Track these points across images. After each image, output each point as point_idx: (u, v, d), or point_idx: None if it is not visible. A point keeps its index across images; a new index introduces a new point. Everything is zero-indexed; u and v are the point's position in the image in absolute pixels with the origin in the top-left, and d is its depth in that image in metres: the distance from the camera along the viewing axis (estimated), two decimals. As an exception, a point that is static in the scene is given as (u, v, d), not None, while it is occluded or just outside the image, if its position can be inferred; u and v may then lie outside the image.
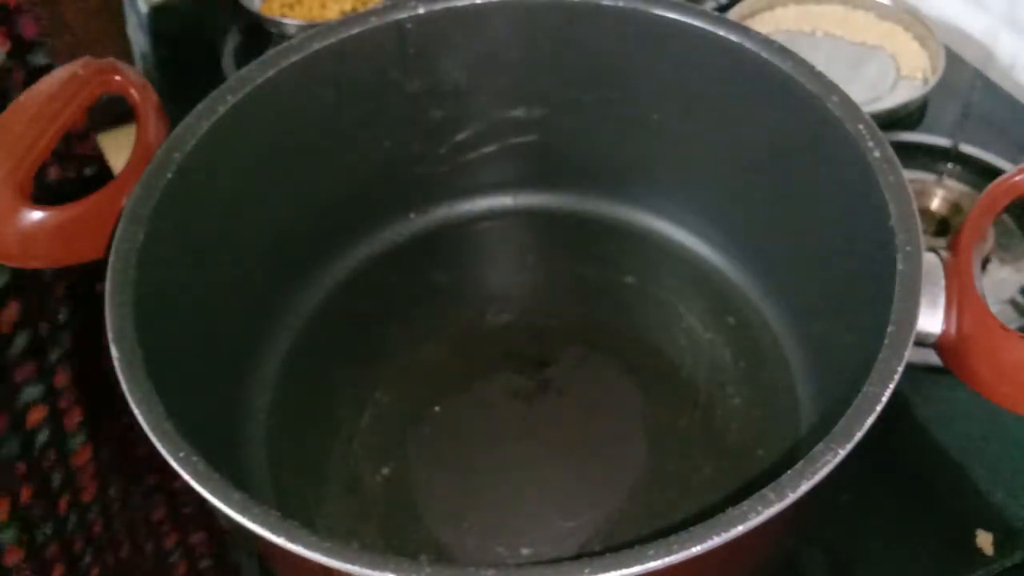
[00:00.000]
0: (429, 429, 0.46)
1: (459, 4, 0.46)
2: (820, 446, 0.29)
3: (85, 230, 0.38)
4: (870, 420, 0.30)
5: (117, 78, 0.41)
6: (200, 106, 0.41)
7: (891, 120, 0.63)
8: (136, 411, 0.31)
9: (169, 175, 0.39)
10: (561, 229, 0.55)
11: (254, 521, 0.28)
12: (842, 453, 0.29)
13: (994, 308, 0.34)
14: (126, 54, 0.80)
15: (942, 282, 0.35)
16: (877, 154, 0.37)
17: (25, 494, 0.53)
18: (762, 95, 0.43)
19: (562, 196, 0.55)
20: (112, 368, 0.32)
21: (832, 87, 0.40)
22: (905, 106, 0.63)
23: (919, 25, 0.68)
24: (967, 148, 0.60)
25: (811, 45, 0.70)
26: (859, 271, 0.38)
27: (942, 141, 0.60)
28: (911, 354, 0.32)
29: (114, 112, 0.49)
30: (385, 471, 0.45)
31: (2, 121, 0.38)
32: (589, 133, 0.51)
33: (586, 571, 0.26)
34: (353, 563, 0.27)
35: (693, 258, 0.52)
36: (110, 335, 0.34)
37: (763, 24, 0.71)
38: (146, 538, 0.62)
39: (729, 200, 0.49)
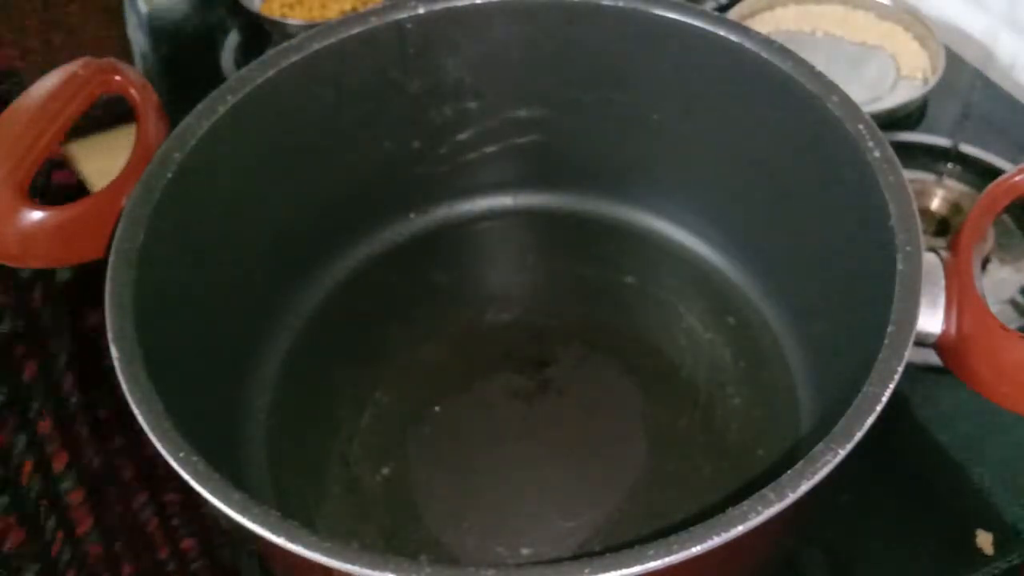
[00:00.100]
0: (429, 429, 0.46)
1: (459, 4, 0.46)
2: (820, 446, 0.29)
3: (85, 230, 0.38)
4: (870, 420, 0.30)
5: (117, 78, 0.41)
6: (200, 106, 0.41)
7: (891, 120, 0.63)
8: (136, 411, 0.31)
9: (169, 175, 0.39)
10: (561, 229, 0.55)
11: (254, 521, 0.28)
12: (842, 453, 0.29)
13: (994, 308, 0.34)
14: (126, 54, 0.80)
15: (942, 282, 0.35)
16: (877, 154, 0.37)
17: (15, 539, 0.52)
18: (762, 95, 0.43)
19: (562, 196, 0.55)
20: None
21: (832, 87, 0.40)
22: (905, 106, 0.63)
23: (919, 25, 0.68)
24: (967, 148, 0.60)
25: (811, 45, 0.70)
26: (859, 271, 0.38)
27: (942, 141, 0.60)
28: (911, 354, 0.32)
29: (114, 112, 0.49)
30: (385, 471, 0.45)
31: (2, 121, 0.38)
32: (589, 133, 0.51)
33: (586, 571, 0.26)
34: (353, 563, 0.27)
35: (693, 258, 0.52)
36: (110, 335, 0.34)
37: (763, 24, 0.71)
38: (141, 552, 0.61)
39: (729, 200, 0.49)
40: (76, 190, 0.55)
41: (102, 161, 0.59)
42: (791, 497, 0.28)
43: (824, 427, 0.30)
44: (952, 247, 0.36)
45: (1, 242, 0.37)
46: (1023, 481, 0.45)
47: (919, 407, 0.49)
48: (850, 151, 0.38)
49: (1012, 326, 0.35)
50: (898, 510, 0.45)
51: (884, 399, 0.30)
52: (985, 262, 0.54)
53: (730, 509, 0.28)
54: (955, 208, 0.59)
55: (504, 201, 0.55)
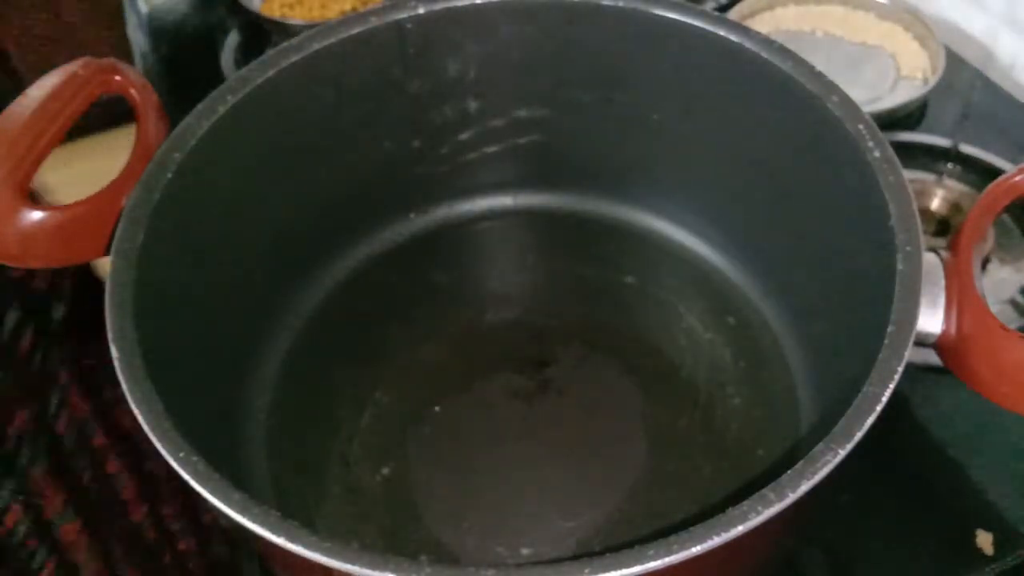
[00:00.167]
0: (429, 429, 0.46)
1: (459, 4, 0.46)
2: (820, 446, 0.29)
3: (85, 230, 0.38)
4: (870, 420, 0.30)
5: (117, 78, 0.41)
6: (200, 106, 0.41)
7: (891, 120, 0.63)
8: (136, 411, 0.31)
9: (169, 175, 0.39)
10: (561, 229, 0.55)
11: (254, 521, 0.28)
12: (842, 453, 0.29)
13: (994, 308, 0.34)
14: (126, 54, 0.80)
15: (942, 282, 0.35)
16: (877, 154, 0.37)
17: None
18: (762, 95, 0.43)
19: (562, 196, 0.55)
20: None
21: (832, 87, 0.40)
22: (905, 106, 0.63)
23: (919, 25, 0.68)
24: (967, 148, 0.60)
25: (811, 45, 0.70)
26: (859, 271, 0.38)
27: (942, 141, 0.60)
28: (911, 354, 0.32)
29: (114, 112, 0.49)
30: (385, 471, 0.45)
31: (2, 121, 0.38)
32: (589, 133, 0.51)
33: (586, 571, 0.26)
34: (353, 563, 0.27)
35: (693, 258, 0.52)
36: (110, 335, 0.34)
37: (763, 24, 0.71)
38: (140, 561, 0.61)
39: (729, 200, 0.49)
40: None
41: (102, 161, 0.59)
42: (791, 497, 0.28)
43: (824, 427, 0.30)
44: (952, 247, 0.36)
45: (1, 242, 0.37)
46: (1023, 481, 0.45)
47: (919, 407, 0.49)
48: (850, 151, 0.38)
49: (1012, 326, 0.35)
50: (898, 510, 0.45)
51: (884, 399, 0.30)
52: (985, 262, 0.54)
53: (730, 509, 0.28)
54: (955, 208, 0.59)
55: (504, 201, 0.55)
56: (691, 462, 0.44)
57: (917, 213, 0.36)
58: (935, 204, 0.59)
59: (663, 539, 0.27)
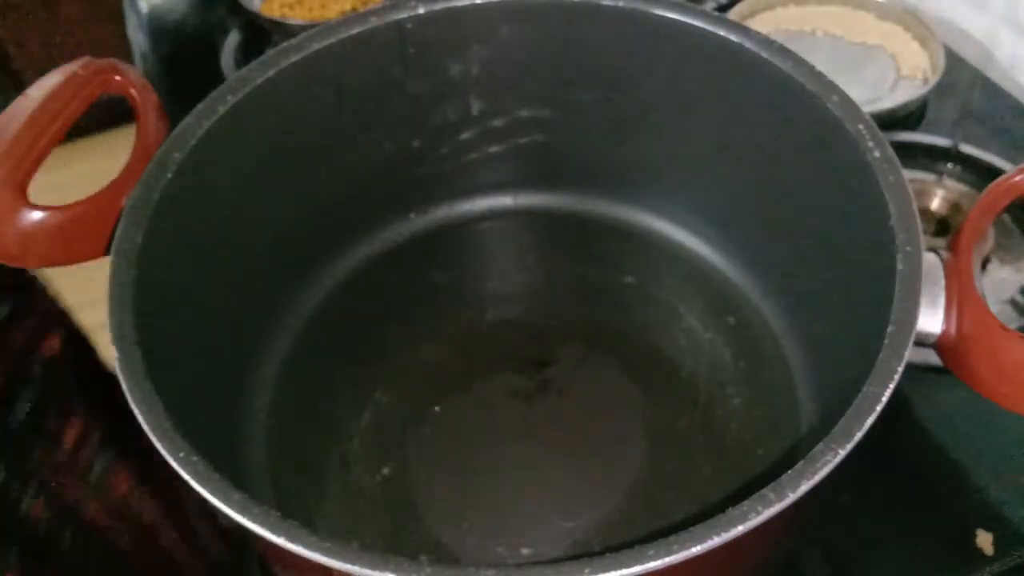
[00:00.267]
0: (429, 429, 0.46)
1: (459, 4, 0.46)
2: (820, 446, 0.29)
3: (85, 230, 0.38)
4: (870, 420, 0.30)
5: (117, 78, 0.41)
6: (200, 106, 0.41)
7: (891, 120, 0.63)
8: (136, 411, 0.31)
9: (169, 175, 0.39)
10: (561, 229, 0.55)
11: (254, 521, 0.28)
12: (842, 453, 0.29)
13: (994, 308, 0.34)
14: (126, 54, 0.80)
15: (942, 282, 0.35)
16: (877, 154, 0.37)
17: None
18: (762, 95, 0.43)
19: (562, 196, 0.55)
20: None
21: (832, 87, 0.40)
22: (905, 106, 0.63)
23: (919, 25, 0.68)
24: (967, 148, 0.60)
25: (811, 45, 0.70)
26: (859, 271, 0.38)
27: (942, 141, 0.60)
28: (911, 354, 0.32)
29: (114, 112, 0.49)
30: (385, 471, 0.45)
31: (2, 121, 0.38)
32: (589, 133, 0.51)
33: (586, 571, 0.26)
34: (353, 563, 0.27)
35: (693, 258, 0.52)
36: (110, 335, 0.34)
37: (763, 24, 0.71)
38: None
39: (729, 200, 0.49)
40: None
41: (102, 161, 0.59)
42: (791, 497, 0.28)
43: (824, 427, 0.30)
44: (952, 247, 0.36)
45: (1, 242, 0.37)
46: (1023, 481, 0.45)
47: (919, 407, 0.49)
48: (850, 151, 0.38)
49: (1012, 326, 0.35)
50: (898, 510, 0.45)
51: (884, 399, 0.30)
52: (985, 262, 0.54)
53: (730, 509, 0.28)
54: (955, 208, 0.59)
55: (504, 201, 0.55)
56: (691, 462, 0.44)
57: (917, 213, 0.36)
58: (935, 204, 0.59)
59: (663, 539, 0.27)
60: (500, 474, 0.45)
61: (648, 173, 0.52)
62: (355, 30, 0.45)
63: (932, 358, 0.36)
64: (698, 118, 0.47)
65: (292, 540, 0.28)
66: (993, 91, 0.66)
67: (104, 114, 0.49)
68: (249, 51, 0.73)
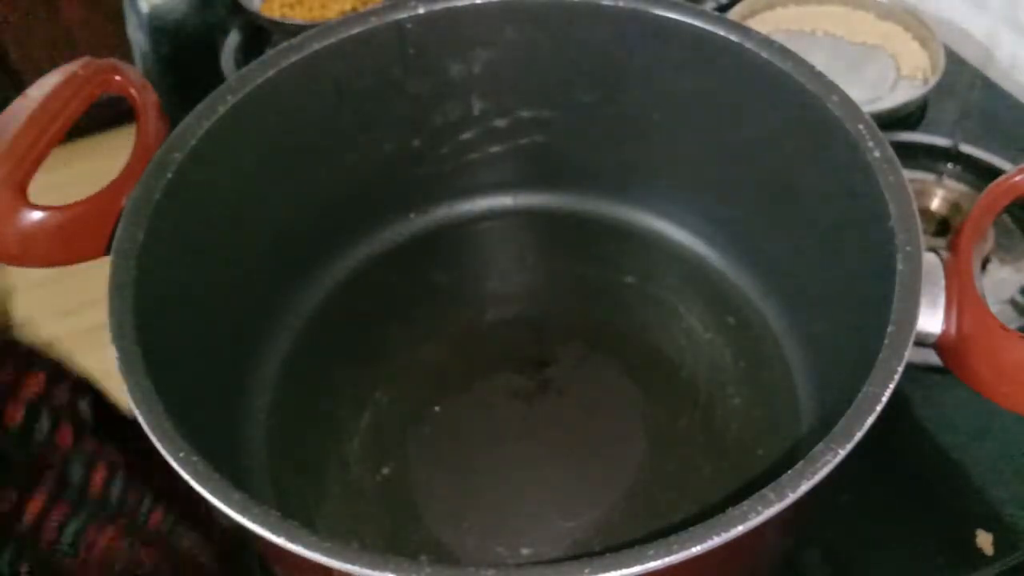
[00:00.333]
0: (429, 429, 0.46)
1: (459, 4, 0.46)
2: (820, 446, 0.29)
3: (85, 230, 0.38)
4: (870, 420, 0.30)
5: (117, 78, 0.41)
6: (200, 106, 0.41)
7: (891, 120, 0.63)
8: (136, 411, 0.31)
9: (169, 175, 0.39)
10: (561, 229, 0.55)
11: (254, 521, 0.28)
12: (842, 453, 0.29)
13: (994, 308, 0.34)
14: (126, 54, 0.80)
15: (942, 282, 0.35)
16: (877, 154, 0.37)
17: None
18: (762, 95, 0.43)
19: (562, 196, 0.55)
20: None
21: (832, 87, 0.40)
22: (905, 106, 0.63)
23: (919, 25, 0.68)
24: (967, 148, 0.60)
25: (811, 45, 0.70)
26: (859, 271, 0.38)
27: (942, 141, 0.60)
28: (911, 354, 0.32)
29: (114, 112, 0.49)
30: (385, 471, 0.45)
31: (2, 121, 0.38)
32: (589, 133, 0.51)
33: (586, 571, 0.26)
34: (353, 563, 0.27)
35: (693, 258, 0.52)
36: (110, 335, 0.34)
37: (763, 24, 0.71)
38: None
39: (729, 200, 0.49)
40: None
41: (102, 161, 0.59)
42: (791, 497, 0.28)
43: (824, 427, 0.30)
44: (952, 247, 0.36)
45: (1, 242, 0.37)
46: (1023, 481, 0.45)
47: (919, 407, 0.49)
48: (850, 151, 0.38)
49: (1012, 326, 0.35)
50: (898, 510, 0.45)
51: (884, 399, 0.30)
52: (985, 262, 0.54)
53: (730, 509, 0.28)
54: (955, 208, 0.59)
55: (504, 201, 0.55)
56: (691, 462, 0.44)
57: (917, 213, 0.36)
58: (935, 204, 0.59)
59: (663, 539, 0.27)
60: (500, 474, 0.45)
61: (648, 173, 0.52)
62: (355, 30, 0.45)
63: (932, 358, 0.36)
64: (698, 118, 0.47)
65: (292, 540, 0.28)
66: (993, 91, 0.66)
67: (104, 114, 0.49)
68: (249, 51, 0.73)
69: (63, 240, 0.38)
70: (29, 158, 0.37)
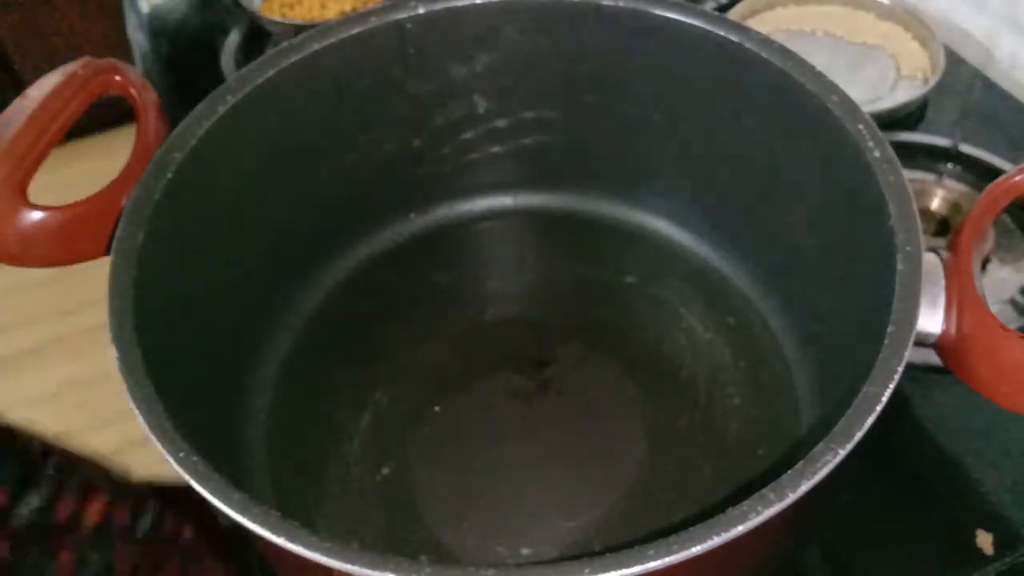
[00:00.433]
0: (429, 429, 0.46)
1: (459, 4, 0.46)
2: (820, 446, 0.29)
3: (85, 230, 0.38)
4: (870, 420, 0.30)
5: (117, 78, 0.41)
6: (200, 106, 0.41)
7: (891, 120, 0.63)
8: (136, 411, 0.31)
9: (169, 175, 0.39)
10: (561, 229, 0.55)
11: (254, 521, 0.28)
12: (842, 453, 0.29)
13: (994, 308, 0.34)
14: (126, 54, 0.80)
15: (942, 282, 0.35)
16: (877, 154, 0.37)
17: None
18: (762, 95, 0.43)
19: (562, 196, 0.55)
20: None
21: (832, 87, 0.40)
22: (905, 106, 0.63)
23: (919, 25, 0.68)
24: (967, 148, 0.60)
25: (811, 45, 0.70)
26: (859, 271, 0.38)
27: (942, 141, 0.60)
28: (911, 354, 0.32)
29: (114, 112, 0.49)
30: (385, 471, 0.45)
31: (2, 121, 0.38)
32: (589, 133, 0.51)
33: (586, 571, 0.26)
34: (353, 563, 0.27)
35: (693, 258, 0.52)
36: (110, 335, 0.34)
37: (763, 24, 0.71)
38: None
39: (728, 200, 0.49)
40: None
41: (102, 161, 0.59)
42: (791, 497, 0.28)
43: (824, 427, 0.30)
44: (952, 247, 0.36)
45: (1, 242, 0.37)
46: (1023, 481, 0.45)
47: (919, 407, 0.49)
48: (850, 151, 0.38)
49: (1012, 326, 0.35)
50: (898, 510, 0.45)
51: (884, 399, 0.30)
52: (985, 262, 0.54)
53: (730, 509, 0.28)
54: (955, 208, 0.59)
55: (504, 201, 0.55)
56: (691, 462, 0.44)
57: (917, 213, 0.36)
58: (935, 204, 0.59)
59: (663, 539, 0.27)
60: (500, 474, 0.45)
61: (648, 173, 0.52)
62: (355, 30, 0.45)
63: (932, 358, 0.36)
64: (698, 118, 0.47)
65: (292, 540, 0.28)
66: (993, 91, 0.66)
67: (104, 114, 0.49)
68: (249, 51, 0.73)
69: (63, 240, 0.38)
70: (29, 158, 0.37)
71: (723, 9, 0.71)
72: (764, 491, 0.28)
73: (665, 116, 0.48)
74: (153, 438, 0.31)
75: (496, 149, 0.53)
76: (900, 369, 0.31)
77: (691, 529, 0.27)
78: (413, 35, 0.46)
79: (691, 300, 0.51)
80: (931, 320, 0.34)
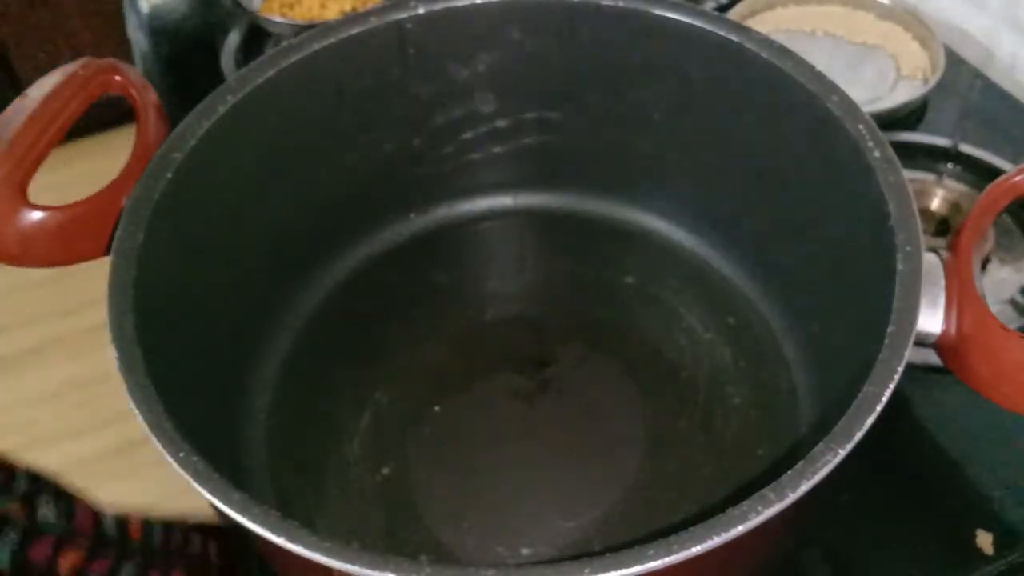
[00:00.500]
0: (429, 429, 0.46)
1: (459, 4, 0.46)
2: (820, 446, 0.29)
3: (85, 230, 0.38)
4: (870, 420, 0.30)
5: (117, 78, 0.41)
6: (200, 106, 0.41)
7: (891, 120, 0.63)
8: (136, 411, 0.31)
9: (169, 175, 0.39)
10: (561, 229, 0.55)
11: (254, 521, 0.28)
12: (842, 453, 0.29)
13: (994, 308, 0.34)
14: (126, 54, 0.80)
15: (942, 282, 0.35)
16: (877, 154, 0.37)
17: None
18: (762, 95, 0.43)
19: (562, 196, 0.55)
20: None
21: (832, 87, 0.40)
22: (905, 106, 0.63)
23: (919, 25, 0.68)
24: (967, 148, 0.60)
25: (811, 45, 0.70)
26: (859, 271, 0.38)
27: (942, 141, 0.60)
28: (911, 354, 0.32)
29: (114, 112, 0.49)
30: (385, 471, 0.45)
31: (2, 121, 0.38)
32: (589, 133, 0.51)
33: (586, 571, 0.26)
34: (353, 563, 0.27)
35: (693, 258, 0.52)
36: (110, 335, 0.34)
37: (763, 24, 0.71)
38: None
39: (729, 200, 0.49)
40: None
41: (102, 161, 0.59)
42: (791, 497, 0.28)
43: (824, 427, 0.30)
44: (952, 247, 0.36)
45: (1, 242, 0.37)
46: (1023, 481, 0.45)
47: (919, 407, 0.49)
48: (850, 151, 0.38)
49: (1012, 326, 0.35)
50: (898, 510, 0.45)
51: (884, 399, 0.30)
52: (985, 262, 0.54)
53: (730, 509, 0.28)
54: (955, 208, 0.59)
55: (504, 201, 0.55)
56: (691, 462, 0.44)
57: (917, 213, 0.36)
58: (935, 204, 0.59)
59: (663, 539, 0.27)
60: (500, 474, 0.45)
61: (648, 173, 0.52)
62: (355, 30, 0.45)
63: (932, 358, 0.36)
64: (698, 118, 0.47)
65: (292, 540, 0.28)
66: (993, 91, 0.66)
67: (104, 114, 0.49)
68: (249, 51, 0.73)
69: (63, 240, 0.38)
70: (29, 158, 0.37)
71: (723, 9, 0.71)
72: (764, 491, 0.28)
73: (665, 116, 0.48)
74: (153, 438, 0.31)
75: (497, 149, 0.53)
76: (900, 369, 0.31)
77: (691, 529, 0.27)
78: (413, 35, 0.46)
79: (691, 300, 0.51)
80: (931, 320, 0.34)
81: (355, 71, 0.46)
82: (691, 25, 0.44)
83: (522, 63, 0.48)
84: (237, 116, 0.42)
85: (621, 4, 0.45)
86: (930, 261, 0.35)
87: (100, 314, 0.35)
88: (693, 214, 0.52)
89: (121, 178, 0.39)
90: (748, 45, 0.42)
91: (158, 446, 0.30)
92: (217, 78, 0.44)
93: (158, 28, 0.78)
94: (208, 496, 0.29)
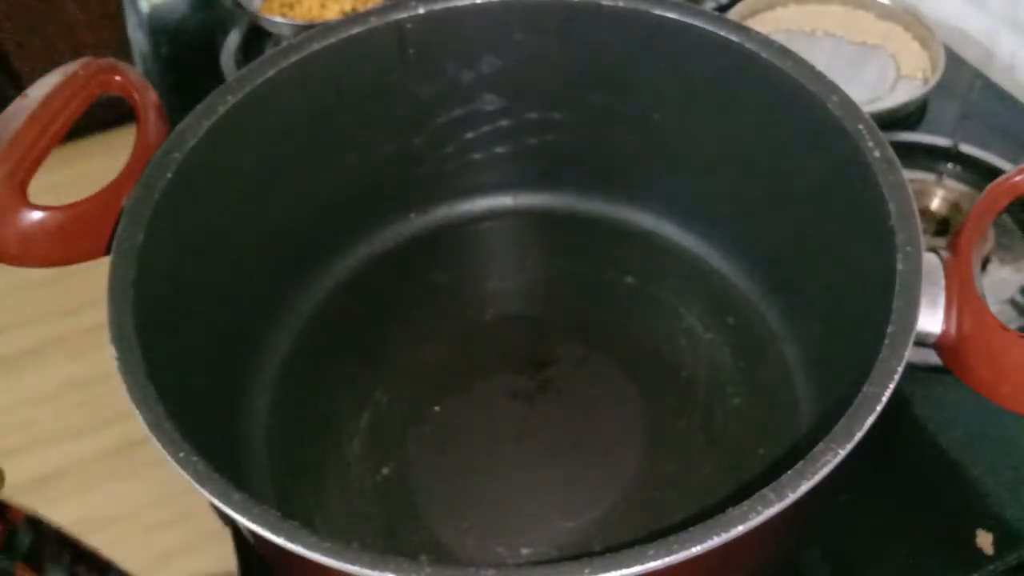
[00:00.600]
0: (429, 429, 0.46)
1: (459, 4, 0.46)
2: (820, 446, 0.29)
3: (85, 230, 0.38)
4: (870, 420, 0.30)
5: (117, 78, 0.41)
6: (200, 106, 0.41)
7: (891, 120, 0.63)
8: (136, 411, 0.31)
9: (169, 175, 0.39)
10: (561, 229, 0.55)
11: (254, 521, 0.28)
12: (842, 453, 0.29)
13: (994, 308, 0.34)
14: (126, 54, 0.80)
15: (942, 282, 0.35)
16: (877, 154, 0.37)
17: None
18: (762, 95, 0.43)
19: (562, 196, 0.55)
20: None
21: (832, 87, 0.40)
22: (905, 106, 0.63)
23: (919, 25, 0.68)
24: (967, 148, 0.60)
25: (811, 45, 0.70)
26: (859, 271, 0.38)
27: (942, 141, 0.60)
28: (911, 354, 0.32)
29: (114, 112, 0.49)
30: (385, 471, 0.45)
31: (2, 121, 0.38)
32: (589, 133, 0.51)
33: (586, 571, 0.26)
34: (353, 563, 0.27)
35: (693, 258, 0.52)
36: (110, 335, 0.34)
37: (763, 24, 0.71)
38: None
39: (729, 200, 0.49)
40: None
41: (102, 161, 0.59)
42: (791, 497, 0.28)
43: (824, 427, 0.30)
44: (952, 247, 0.36)
45: (1, 242, 0.37)
46: (1023, 481, 0.45)
47: (919, 407, 0.49)
48: (850, 151, 0.38)
49: (1012, 326, 0.35)
50: (898, 510, 0.45)
51: (884, 399, 0.30)
52: (985, 262, 0.54)
53: (730, 509, 0.28)
54: (955, 208, 0.59)
55: (504, 201, 0.55)
56: (691, 462, 0.44)
57: (917, 213, 0.36)
58: (935, 204, 0.59)
59: (663, 539, 0.27)
60: (500, 474, 0.45)
61: (649, 173, 0.52)
62: (355, 30, 0.45)
63: (932, 358, 0.36)
64: (698, 118, 0.47)
65: (292, 540, 0.28)
66: (993, 91, 0.66)
67: (104, 114, 0.49)
68: (249, 51, 0.73)
69: (63, 240, 0.38)
70: (29, 158, 0.37)
71: (723, 9, 0.71)
72: (764, 491, 0.28)
73: (665, 116, 0.48)
74: (153, 438, 0.31)
75: (497, 149, 0.53)
76: (900, 369, 0.31)
77: (691, 529, 0.27)
78: (413, 35, 0.46)
79: (691, 300, 0.51)
80: (931, 320, 0.34)
81: (355, 71, 0.46)
82: (691, 25, 0.44)
83: (522, 63, 0.48)
84: (237, 116, 0.42)
85: (621, 4, 0.45)
86: (930, 261, 0.35)
87: (100, 314, 0.35)
88: (693, 214, 0.52)
89: (121, 178, 0.39)
90: (748, 45, 0.42)
91: (158, 446, 0.30)
92: (217, 78, 0.44)
93: (158, 28, 0.78)
94: (208, 496, 0.29)
